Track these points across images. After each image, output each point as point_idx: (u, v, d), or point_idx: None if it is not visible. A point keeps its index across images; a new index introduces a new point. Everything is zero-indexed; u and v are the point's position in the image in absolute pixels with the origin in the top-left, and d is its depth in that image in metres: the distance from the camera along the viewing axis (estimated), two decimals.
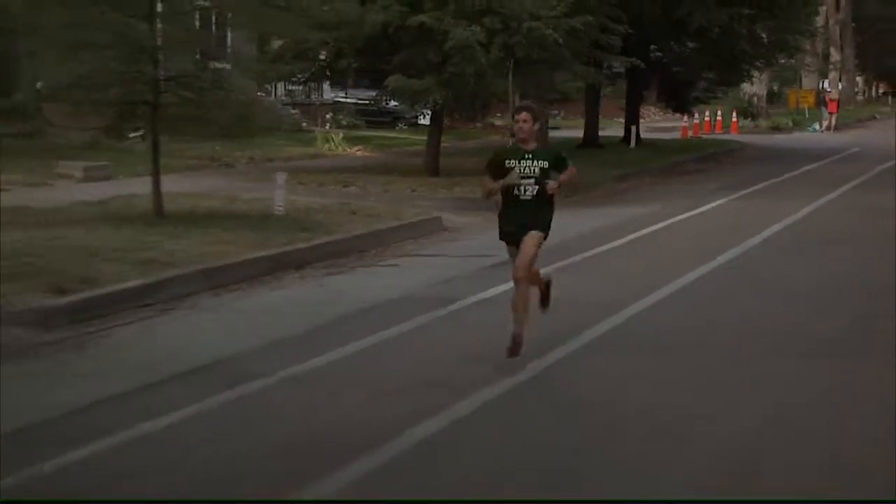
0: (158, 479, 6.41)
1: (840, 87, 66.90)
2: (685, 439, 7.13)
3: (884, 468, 6.50)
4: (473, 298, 11.58)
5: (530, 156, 8.68)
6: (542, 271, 9.45)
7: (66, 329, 10.08)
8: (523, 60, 21.02)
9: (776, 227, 17.34)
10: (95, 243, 13.20)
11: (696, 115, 42.85)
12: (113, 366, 9.03)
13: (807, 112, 53.69)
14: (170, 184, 16.92)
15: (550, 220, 8.90)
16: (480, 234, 15.79)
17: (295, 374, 8.58)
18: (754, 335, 10.14)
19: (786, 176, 27.00)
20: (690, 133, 41.22)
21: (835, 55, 70.68)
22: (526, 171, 8.65)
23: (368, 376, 8.62)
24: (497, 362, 8.64)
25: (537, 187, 8.65)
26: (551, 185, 8.67)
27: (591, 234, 16.37)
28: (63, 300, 10.63)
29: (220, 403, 7.81)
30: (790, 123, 49.77)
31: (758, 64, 37.08)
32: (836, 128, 49.14)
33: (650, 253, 15.32)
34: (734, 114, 46.99)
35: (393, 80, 20.97)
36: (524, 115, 8.75)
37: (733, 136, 43.02)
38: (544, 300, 9.47)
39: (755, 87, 51.68)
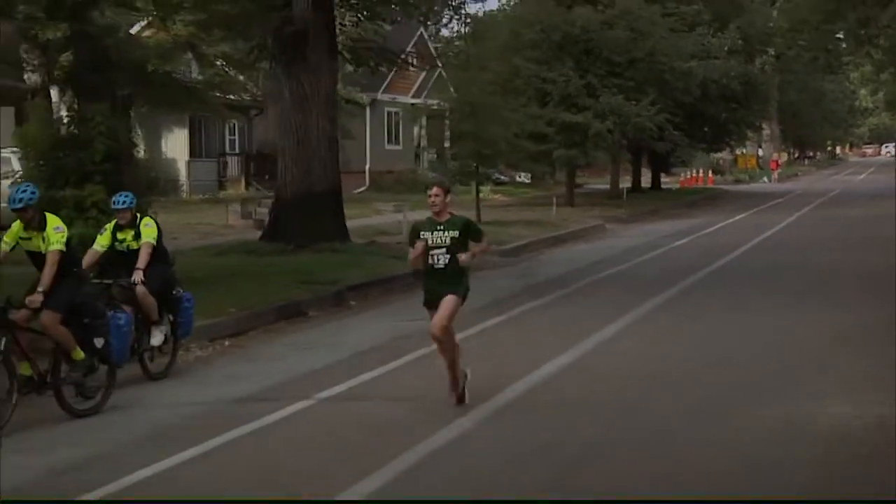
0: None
1: (773, 152, 77.70)
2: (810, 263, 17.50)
3: None
4: (670, 246, 21.81)
5: (442, 227, 8.07)
6: (462, 364, 8.36)
7: (519, 256, 20.28)
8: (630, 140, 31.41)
9: (782, 224, 27.66)
10: None
11: (686, 172, 52.83)
12: (596, 249, 19.42)
13: (757, 170, 64.18)
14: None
15: (467, 285, 8.27)
16: (631, 231, 26.13)
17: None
18: (802, 246, 20.86)
19: (767, 205, 37.03)
20: (685, 184, 51.36)
21: (766, 129, 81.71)
22: (437, 242, 8.04)
23: (656, 267, 18.87)
24: (684, 268, 18.83)
25: (449, 256, 8.06)
26: (464, 258, 8.09)
27: (684, 230, 26.26)
28: (519, 243, 21.21)
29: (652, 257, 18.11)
30: (747, 177, 60.20)
31: (735, 138, 47.35)
32: (779, 180, 59.72)
33: (725, 234, 25.37)
34: (710, 171, 57.05)
35: (558, 152, 31.07)
36: (436, 189, 8.11)
37: (711, 186, 52.64)
38: (460, 395, 8.28)
39: (722, 153, 62.11)
